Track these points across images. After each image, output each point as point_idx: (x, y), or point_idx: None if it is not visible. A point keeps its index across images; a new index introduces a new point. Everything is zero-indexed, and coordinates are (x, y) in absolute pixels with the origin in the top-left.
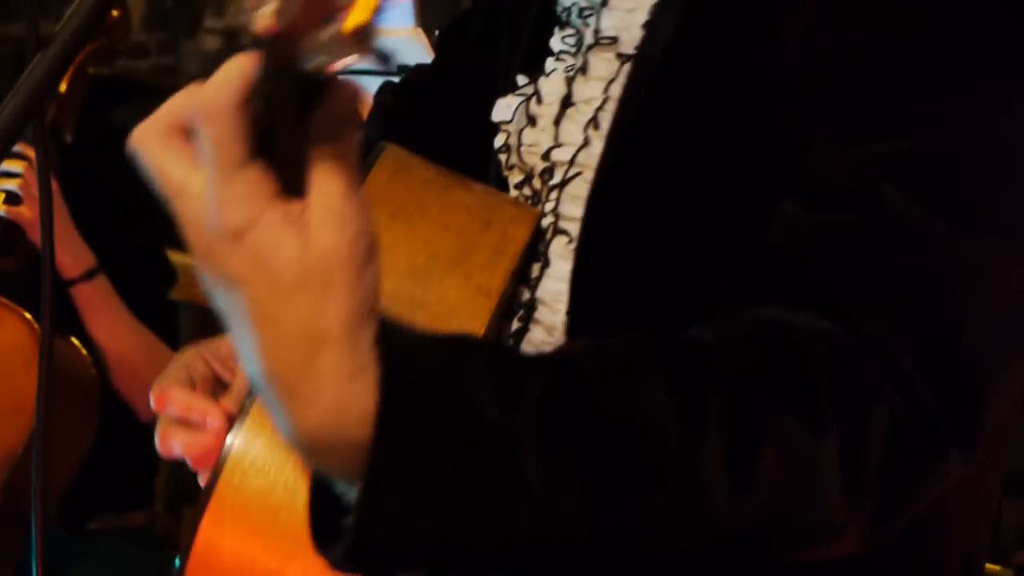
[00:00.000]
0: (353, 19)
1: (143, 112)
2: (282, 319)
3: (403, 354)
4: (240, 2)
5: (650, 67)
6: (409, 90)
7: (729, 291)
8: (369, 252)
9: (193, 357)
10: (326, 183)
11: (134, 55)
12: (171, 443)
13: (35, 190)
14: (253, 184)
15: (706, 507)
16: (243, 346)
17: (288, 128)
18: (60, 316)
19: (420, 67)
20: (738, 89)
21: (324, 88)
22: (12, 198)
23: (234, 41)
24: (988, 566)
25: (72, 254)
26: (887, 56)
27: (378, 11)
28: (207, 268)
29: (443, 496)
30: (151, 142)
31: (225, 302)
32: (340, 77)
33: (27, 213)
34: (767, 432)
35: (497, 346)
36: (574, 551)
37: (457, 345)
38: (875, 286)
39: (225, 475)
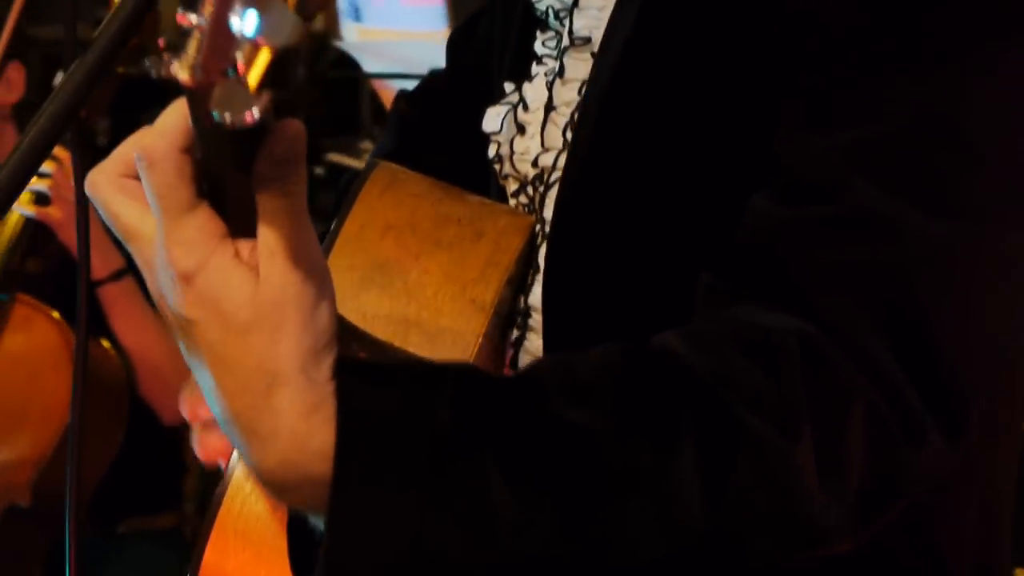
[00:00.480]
0: (255, 71)
1: None
2: (236, 359)
3: (361, 387)
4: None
5: (611, 60)
6: (423, 97)
7: (701, 289)
8: (320, 288)
9: None
10: (272, 223)
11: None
12: (212, 447)
13: (65, 191)
14: (200, 228)
15: (682, 516)
16: (203, 386)
17: (230, 172)
18: (90, 317)
19: (434, 73)
20: (700, 78)
21: (262, 131)
22: (41, 199)
23: None
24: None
25: (101, 254)
26: (850, 41)
27: (282, 60)
28: (163, 311)
29: (410, 525)
30: (104, 188)
31: (183, 343)
32: (280, 118)
33: (56, 214)
34: (740, 438)
35: (463, 368)
36: (549, 566)
37: (419, 373)
38: (845, 278)
39: (226, 503)
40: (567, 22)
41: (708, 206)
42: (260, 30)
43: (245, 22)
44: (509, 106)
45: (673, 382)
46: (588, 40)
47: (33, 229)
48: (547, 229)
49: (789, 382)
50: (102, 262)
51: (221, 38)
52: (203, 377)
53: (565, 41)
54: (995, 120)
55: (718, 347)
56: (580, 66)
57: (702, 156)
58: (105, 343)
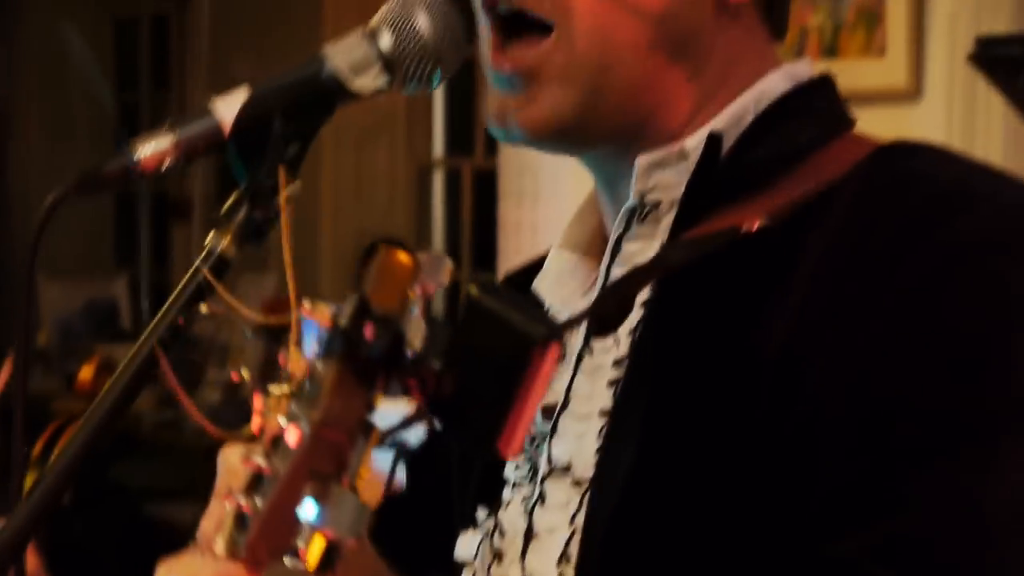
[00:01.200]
0: (313, 556)
1: (142, 471)
2: None
3: None
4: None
5: (611, 498)
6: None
7: None
8: None
9: None
10: None
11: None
12: None
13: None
14: None
15: None
16: None
17: None
18: None
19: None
20: (711, 500)
21: None
22: None
23: (235, 394)
24: None
25: None
26: (865, 438)
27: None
28: None
29: None
30: None
31: None
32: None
33: None
34: None
35: None
36: None
37: None
38: None
39: None
40: (543, 448)
41: None
42: (324, 521)
43: (307, 510)
44: (484, 532)
45: None
46: (568, 468)
47: None
48: None
49: None
50: None
51: (281, 524)
52: None
53: (543, 468)
54: (1018, 507)
55: None
56: (562, 494)
57: (717, 566)
58: None
